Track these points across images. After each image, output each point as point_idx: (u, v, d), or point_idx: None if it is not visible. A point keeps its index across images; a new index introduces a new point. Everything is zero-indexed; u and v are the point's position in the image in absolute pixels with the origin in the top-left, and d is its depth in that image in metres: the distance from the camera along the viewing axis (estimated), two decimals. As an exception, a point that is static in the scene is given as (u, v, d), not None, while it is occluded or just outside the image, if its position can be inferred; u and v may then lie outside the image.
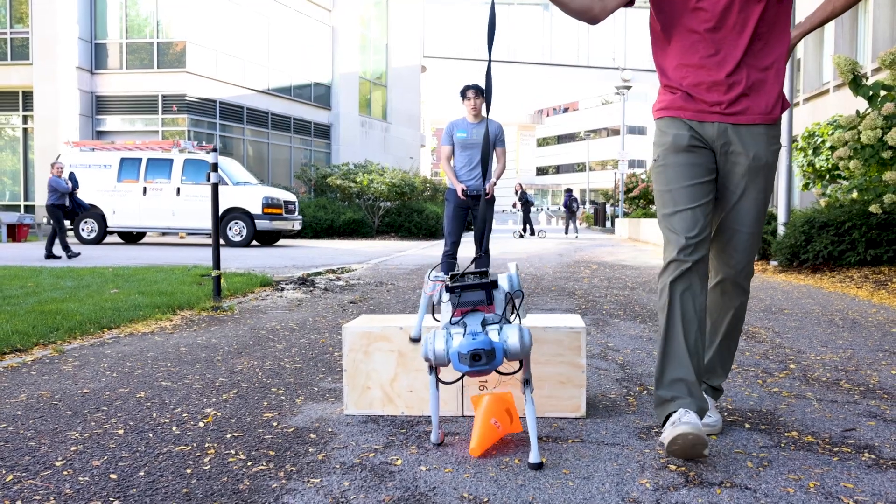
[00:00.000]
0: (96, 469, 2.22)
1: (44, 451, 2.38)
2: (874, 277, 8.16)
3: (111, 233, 16.94)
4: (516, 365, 2.74)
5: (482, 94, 5.85)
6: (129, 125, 22.30)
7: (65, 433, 2.57)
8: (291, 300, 6.49)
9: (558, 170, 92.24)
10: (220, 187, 15.58)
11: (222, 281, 6.63)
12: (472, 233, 20.63)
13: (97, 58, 22.01)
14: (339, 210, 21.26)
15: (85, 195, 15.52)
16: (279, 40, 26.10)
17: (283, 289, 7.29)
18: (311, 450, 2.40)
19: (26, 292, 6.38)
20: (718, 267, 2.55)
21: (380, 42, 32.57)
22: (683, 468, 2.21)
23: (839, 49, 17.14)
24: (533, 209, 36.70)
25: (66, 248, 11.33)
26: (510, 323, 2.29)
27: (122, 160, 16.57)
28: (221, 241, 15.80)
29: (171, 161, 16.44)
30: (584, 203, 58.23)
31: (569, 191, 28.18)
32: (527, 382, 2.32)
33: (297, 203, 17.79)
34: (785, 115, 10.20)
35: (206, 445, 2.44)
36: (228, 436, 2.55)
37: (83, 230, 16.53)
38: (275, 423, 2.70)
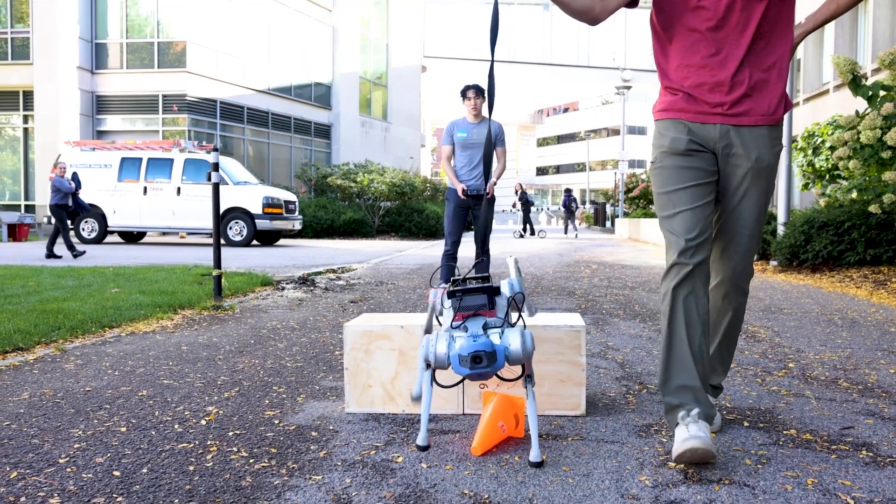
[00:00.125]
0: (99, 466, 2.23)
1: (47, 449, 2.40)
2: (873, 277, 8.18)
3: (111, 232, 16.95)
4: (518, 371, 2.71)
5: (482, 93, 5.86)
6: (130, 125, 22.32)
7: (68, 431, 2.59)
8: (292, 299, 6.51)
9: (558, 170, 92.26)
10: (221, 187, 15.56)
11: (223, 280, 6.64)
12: (472, 232, 20.66)
13: (98, 57, 22.03)
14: (339, 210, 21.27)
15: (85, 195, 15.53)
16: (279, 40, 26.12)
17: (283, 288, 7.31)
18: (312, 447, 2.42)
19: (27, 291, 6.39)
20: (718, 268, 2.54)
21: (380, 42, 32.58)
22: (682, 466, 2.23)
23: (839, 49, 17.15)
24: (533, 209, 36.73)
25: (70, 247, 11.34)
26: (512, 327, 2.27)
27: (123, 160, 16.59)
28: (222, 241, 15.82)
29: (171, 161, 16.46)
30: (584, 203, 58.26)
31: (568, 191, 28.21)
32: (528, 378, 2.31)
33: (297, 203, 17.81)
34: (785, 116, 10.22)
35: (209, 443, 2.46)
36: (230, 433, 2.56)
37: (84, 230, 16.55)
38: (276, 421, 2.72)
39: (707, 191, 2.38)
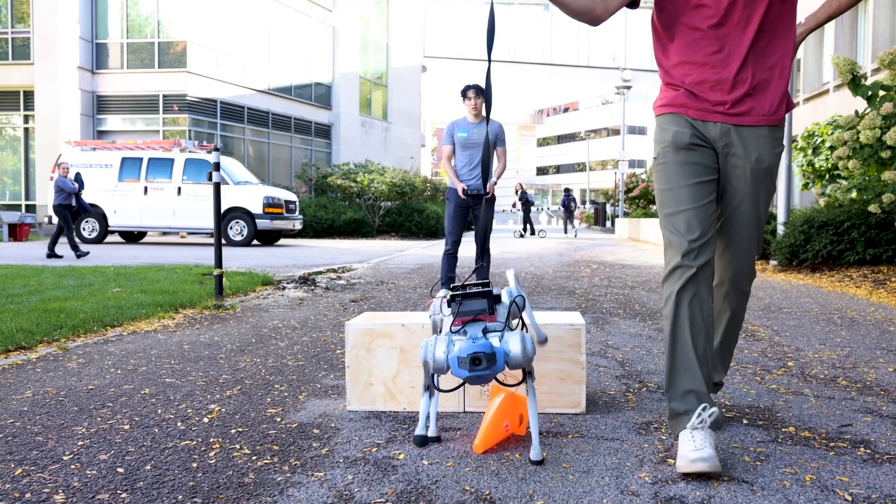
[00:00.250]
0: (103, 463, 2.25)
1: (51, 446, 2.41)
2: (873, 276, 8.19)
3: (112, 232, 16.98)
4: (519, 375, 2.70)
5: (483, 93, 5.88)
6: (130, 125, 22.34)
7: (71, 428, 2.61)
8: (293, 299, 6.53)
9: (558, 170, 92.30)
10: (222, 187, 15.61)
11: (224, 280, 6.66)
12: (472, 232, 20.66)
13: (98, 57, 22.05)
14: (339, 210, 21.29)
15: (86, 194, 15.55)
16: (280, 40, 26.14)
17: (284, 288, 7.32)
18: (314, 444, 2.44)
19: (29, 291, 6.41)
20: (719, 269, 2.51)
21: (380, 42, 32.60)
22: (682, 462, 2.25)
23: (839, 49, 17.17)
24: (533, 209, 36.76)
25: (74, 247, 11.35)
26: (512, 330, 2.26)
27: (123, 160, 16.62)
28: (222, 241, 15.83)
29: (171, 161, 16.48)
30: (584, 203, 58.26)
31: (567, 190, 28.24)
32: (529, 375, 2.31)
33: (297, 203, 17.83)
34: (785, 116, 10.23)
35: (211, 440, 2.48)
36: (233, 431, 2.58)
37: (84, 229, 16.58)
38: (278, 419, 2.73)
39: (710, 189, 2.35)
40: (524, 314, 2.37)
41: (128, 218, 16.51)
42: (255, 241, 17.62)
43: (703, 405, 2.24)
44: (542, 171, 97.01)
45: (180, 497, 1.99)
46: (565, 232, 27.07)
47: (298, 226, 17.49)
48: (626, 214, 28.77)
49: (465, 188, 5.94)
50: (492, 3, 2.41)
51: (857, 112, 8.28)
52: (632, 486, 2.05)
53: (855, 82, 7.38)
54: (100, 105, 22.19)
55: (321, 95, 28.89)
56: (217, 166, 5.96)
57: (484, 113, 6.25)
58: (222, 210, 16.41)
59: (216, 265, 6.11)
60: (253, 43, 24.72)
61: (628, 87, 30.65)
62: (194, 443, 2.45)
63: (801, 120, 18.53)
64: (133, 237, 18.25)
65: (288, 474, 2.16)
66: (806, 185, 11.87)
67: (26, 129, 22.00)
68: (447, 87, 51.89)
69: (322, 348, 4.18)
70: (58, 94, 20.80)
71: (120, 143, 17.22)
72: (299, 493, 2.01)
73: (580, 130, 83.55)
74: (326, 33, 28.93)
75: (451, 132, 6.02)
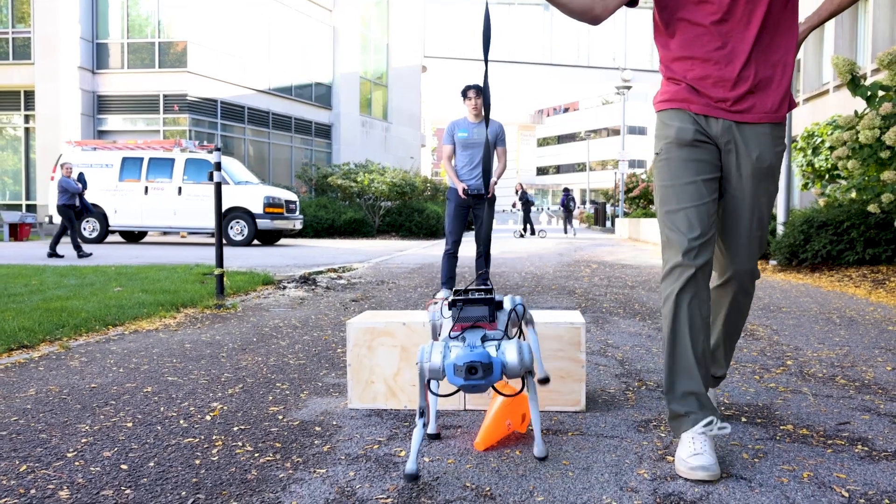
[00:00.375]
0: (107, 460, 2.27)
1: (55, 443, 2.43)
2: (872, 276, 8.21)
3: (113, 232, 17.00)
4: (518, 385, 2.67)
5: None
6: (131, 125, 22.36)
7: (75, 426, 2.63)
8: (294, 298, 6.55)
9: (558, 170, 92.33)
10: (222, 186, 15.64)
11: (225, 279, 6.68)
12: (472, 232, 20.67)
13: (99, 57, 22.07)
14: (339, 210, 21.32)
15: (87, 194, 15.56)
16: (280, 40, 26.16)
17: (285, 287, 7.34)
18: (316, 442, 2.46)
19: (31, 290, 6.43)
20: (722, 269, 2.48)
21: (380, 42, 32.63)
22: (680, 459, 2.26)
23: (839, 49, 17.19)
24: (533, 209, 36.78)
25: (77, 248, 11.37)
26: (510, 339, 2.23)
27: (124, 159, 16.63)
28: (223, 240, 15.85)
29: (172, 160, 16.50)
30: (584, 203, 58.28)
31: (566, 190, 28.26)
32: (529, 373, 2.28)
33: (298, 202, 17.85)
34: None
35: (214, 438, 2.50)
36: (235, 428, 2.60)
37: (85, 229, 16.60)
38: (280, 417, 2.75)
39: (712, 187, 2.31)
40: (531, 342, 2.33)
41: (128, 218, 16.53)
42: (255, 241, 17.64)
43: (711, 419, 2.21)
44: (542, 171, 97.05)
45: (183, 493, 2.00)
46: (565, 232, 27.09)
47: (299, 226, 17.51)
48: (625, 214, 28.78)
49: (466, 188, 5.95)
50: (486, 6, 2.38)
51: (856, 112, 8.30)
52: (631, 483, 2.07)
53: (854, 82, 7.40)
54: (100, 105, 22.21)
55: (321, 95, 28.91)
56: (218, 166, 5.98)
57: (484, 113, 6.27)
58: (223, 210, 16.55)
59: (217, 265, 6.13)
60: (253, 43, 24.74)
61: (628, 87, 30.66)
62: (197, 440, 2.47)
63: (801, 120, 18.55)
64: (133, 237, 18.27)
65: (290, 471, 2.18)
66: (805, 185, 11.89)
67: (27, 129, 22.02)
68: (447, 87, 51.90)
69: (323, 347, 4.20)
70: (58, 94, 20.82)
71: (120, 143, 17.24)
72: (301, 490, 2.03)
73: (580, 130, 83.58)
74: (327, 33, 28.95)
75: (452, 132, 6.04)
